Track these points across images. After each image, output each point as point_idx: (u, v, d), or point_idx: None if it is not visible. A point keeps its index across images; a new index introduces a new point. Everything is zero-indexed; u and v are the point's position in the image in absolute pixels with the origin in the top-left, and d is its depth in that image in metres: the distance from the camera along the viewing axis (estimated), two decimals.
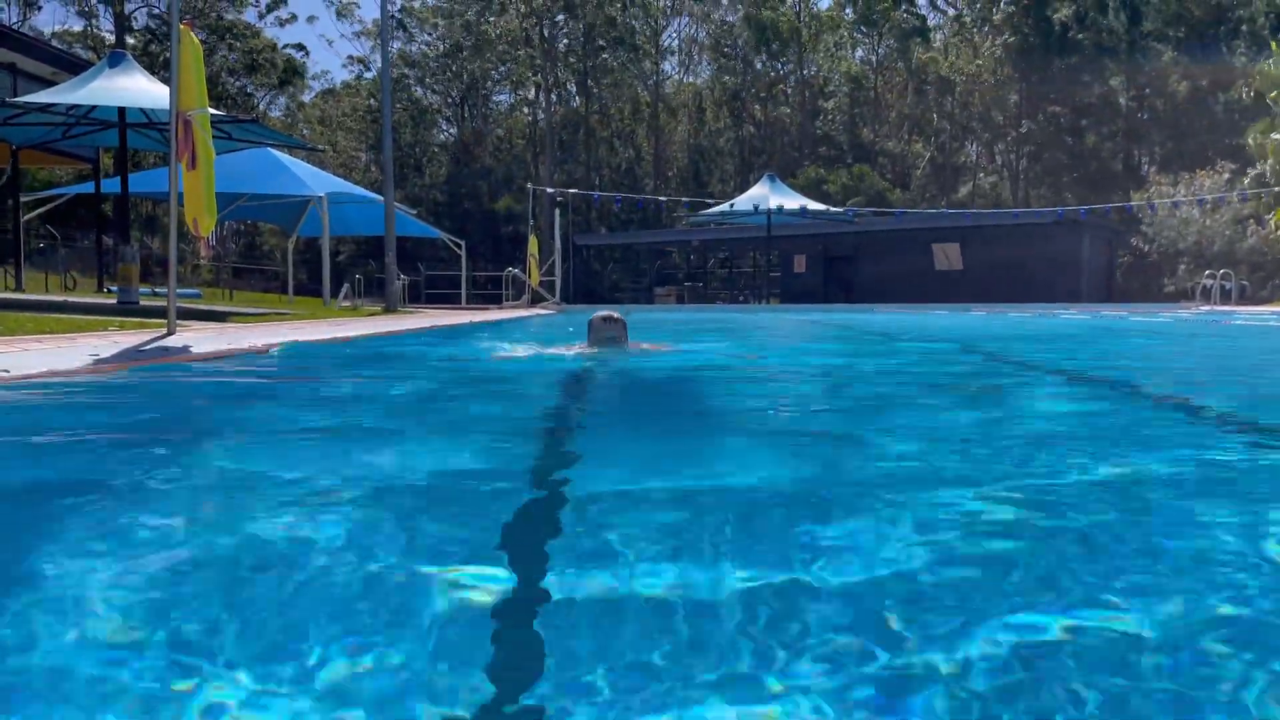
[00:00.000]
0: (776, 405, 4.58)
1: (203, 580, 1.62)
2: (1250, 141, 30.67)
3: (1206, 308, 22.79)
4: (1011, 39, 46.64)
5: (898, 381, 5.97)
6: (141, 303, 10.87)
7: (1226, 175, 32.21)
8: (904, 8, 51.33)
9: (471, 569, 1.60)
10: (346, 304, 19.74)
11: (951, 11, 53.05)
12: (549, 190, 39.69)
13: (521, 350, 8.12)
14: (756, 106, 55.51)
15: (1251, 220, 30.70)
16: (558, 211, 31.29)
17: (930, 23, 53.23)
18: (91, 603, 1.50)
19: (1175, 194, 32.70)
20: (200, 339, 7.01)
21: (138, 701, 1.14)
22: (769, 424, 3.78)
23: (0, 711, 1.09)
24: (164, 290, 8.48)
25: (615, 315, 6.76)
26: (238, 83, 50.01)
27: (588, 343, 6.73)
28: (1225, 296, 24.75)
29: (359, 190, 24.89)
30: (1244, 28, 40.61)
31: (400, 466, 2.73)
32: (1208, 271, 26.02)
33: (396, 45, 52.70)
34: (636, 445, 3.19)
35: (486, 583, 1.53)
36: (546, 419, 3.92)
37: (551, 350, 7.51)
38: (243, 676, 1.19)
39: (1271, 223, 29.16)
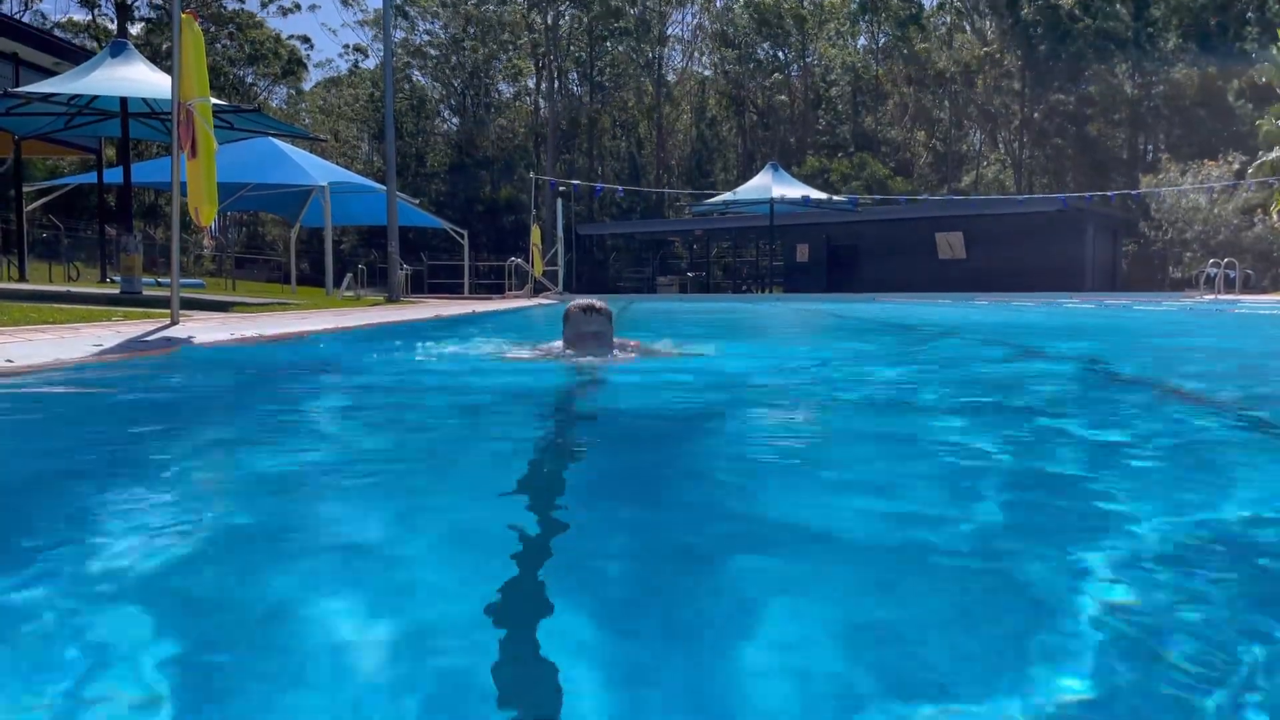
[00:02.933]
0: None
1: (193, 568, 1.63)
2: (1260, 125, 30.57)
3: (1210, 297, 22.75)
4: (1013, 25, 46.45)
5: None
6: (145, 293, 10.89)
7: (1236, 165, 32.10)
8: None
9: None
10: (349, 294, 19.75)
11: None
12: (551, 180, 39.67)
13: (482, 349, 6.19)
14: (759, 95, 55.39)
15: (1258, 209, 30.64)
16: (560, 201, 31.24)
17: (928, 8, 53.03)
18: (90, 596, 1.51)
19: (1181, 182, 32.63)
20: (203, 329, 7.02)
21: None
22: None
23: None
24: (167, 280, 8.50)
25: (598, 304, 5.09)
26: (239, 72, 49.97)
27: (563, 342, 5.12)
28: (1229, 285, 24.69)
29: (361, 180, 24.88)
30: (1250, 15, 40.43)
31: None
32: (1211, 260, 25.97)
33: (399, 34, 52.64)
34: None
35: None
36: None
37: (515, 355, 5.61)
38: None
39: (1274, 211, 29.09)
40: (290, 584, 1.53)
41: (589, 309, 5.04)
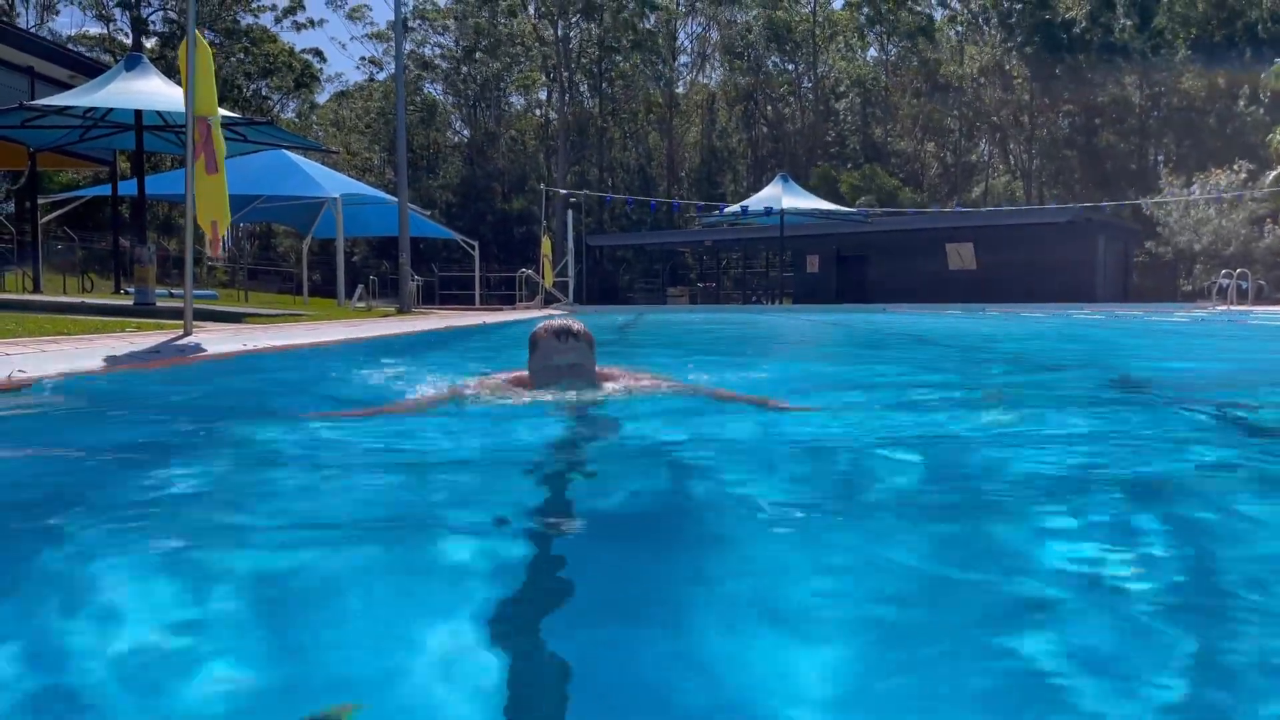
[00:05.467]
0: None
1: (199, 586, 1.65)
2: (1271, 140, 30.47)
3: (1223, 307, 22.64)
4: (1021, 37, 46.47)
5: None
6: (158, 304, 10.95)
7: (1244, 175, 32.01)
8: (908, 5, 51.33)
9: None
10: (361, 305, 19.82)
11: (952, 10, 52.99)
12: (562, 191, 39.78)
13: (435, 380, 4.29)
14: (769, 107, 55.51)
15: (1268, 220, 30.54)
16: (570, 212, 31.33)
17: (938, 19, 53.19)
18: (100, 607, 1.53)
19: (1191, 193, 32.56)
20: (216, 340, 7.07)
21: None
22: None
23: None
24: (180, 291, 8.56)
25: (574, 326, 3.70)
26: (252, 85, 50.35)
27: (530, 375, 3.73)
28: (1242, 296, 24.57)
29: (373, 191, 25.02)
30: (1259, 28, 40.35)
31: None
32: (1224, 271, 25.85)
33: (408, 47, 52.95)
34: None
35: None
36: None
37: (476, 392, 3.79)
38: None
39: None
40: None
41: (563, 332, 3.66)
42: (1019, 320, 16.49)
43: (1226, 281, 24.48)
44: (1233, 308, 22.41)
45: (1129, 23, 44.05)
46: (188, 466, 2.70)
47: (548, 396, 3.59)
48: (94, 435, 3.28)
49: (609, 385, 3.83)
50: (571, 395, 3.60)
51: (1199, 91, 42.31)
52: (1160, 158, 46.69)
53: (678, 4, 54.75)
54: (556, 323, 3.75)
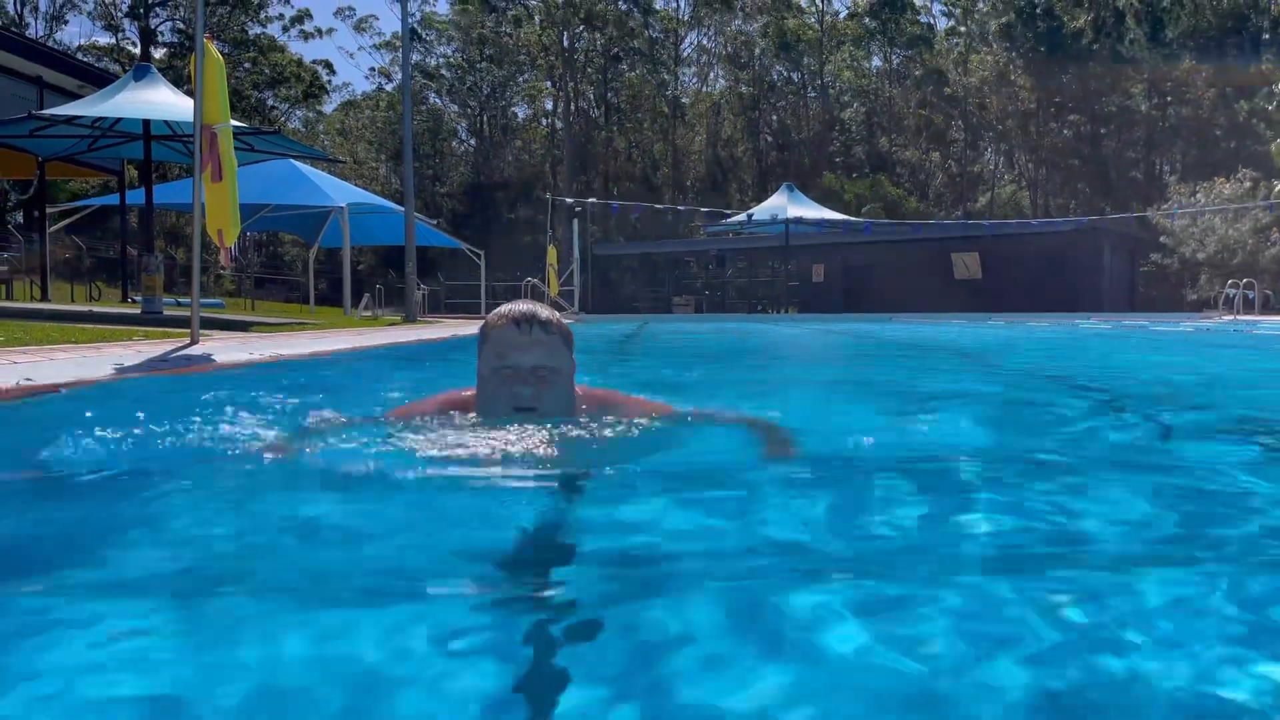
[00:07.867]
0: None
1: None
2: (1274, 149, 30.45)
3: (1229, 317, 22.58)
4: (1026, 46, 46.51)
5: None
6: (165, 312, 10.99)
7: (1249, 184, 31.95)
8: (908, 14, 51.51)
9: None
10: (367, 314, 19.87)
11: (955, 19, 53.19)
12: (567, 200, 39.87)
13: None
14: (774, 116, 55.61)
15: (1274, 229, 30.46)
16: (575, 221, 31.37)
17: (941, 28, 53.44)
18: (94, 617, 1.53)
19: (1197, 202, 32.50)
20: (223, 348, 7.09)
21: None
22: None
23: None
24: (188, 300, 8.59)
25: (542, 312, 2.57)
26: (259, 95, 50.62)
27: (478, 382, 2.59)
28: (1249, 306, 24.52)
29: (380, 201, 25.08)
30: (1265, 35, 40.36)
31: None
32: (1230, 281, 25.79)
33: (415, 57, 53.20)
34: None
35: None
36: None
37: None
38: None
39: None
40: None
41: (526, 319, 2.51)
42: (1056, 331, 16.45)
43: (1234, 292, 24.42)
44: (1239, 318, 22.35)
45: (1141, 32, 44.06)
46: (191, 475, 2.71)
47: (499, 429, 2.31)
48: (99, 444, 3.29)
49: (589, 404, 2.61)
50: (532, 426, 2.32)
51: (1206, 101, 42.30)
52: (1167, 167, 46.66)
53: (678, 11, 54.92)
54: (518, 307, 2.58)
